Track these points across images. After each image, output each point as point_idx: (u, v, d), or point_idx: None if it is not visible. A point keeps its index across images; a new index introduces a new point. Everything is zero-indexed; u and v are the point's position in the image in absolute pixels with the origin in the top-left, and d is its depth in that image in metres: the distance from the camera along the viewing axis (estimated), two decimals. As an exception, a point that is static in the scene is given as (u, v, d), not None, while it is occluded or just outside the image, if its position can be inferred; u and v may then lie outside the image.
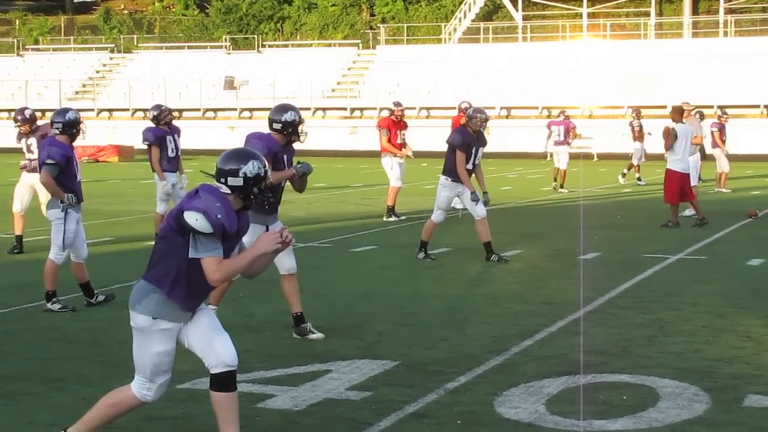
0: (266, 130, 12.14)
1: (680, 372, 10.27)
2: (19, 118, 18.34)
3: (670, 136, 23.03)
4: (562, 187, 34.41)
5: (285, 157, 11.86)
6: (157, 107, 20.11)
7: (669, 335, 12.15)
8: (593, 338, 11.94)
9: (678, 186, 23.22)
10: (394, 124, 25.22)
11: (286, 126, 11.75)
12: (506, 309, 13.88)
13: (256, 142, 11.59)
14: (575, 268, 17.48)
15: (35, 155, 17.49)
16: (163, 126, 19.71)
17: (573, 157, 37.02)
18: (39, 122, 18.89)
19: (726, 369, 10.45)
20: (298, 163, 11.92)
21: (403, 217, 24.46)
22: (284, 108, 11.97)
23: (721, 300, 14.49)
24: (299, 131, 11.81)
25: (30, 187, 18.90)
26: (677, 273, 17.15)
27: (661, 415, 8.88)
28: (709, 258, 18.76)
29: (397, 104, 25.82)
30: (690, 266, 17.86)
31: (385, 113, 26.38)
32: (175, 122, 20.58)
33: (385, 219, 24.52)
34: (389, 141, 24.95)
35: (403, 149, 24.94)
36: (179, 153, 19.91)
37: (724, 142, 33.18)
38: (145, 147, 19.93)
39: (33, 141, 18.19)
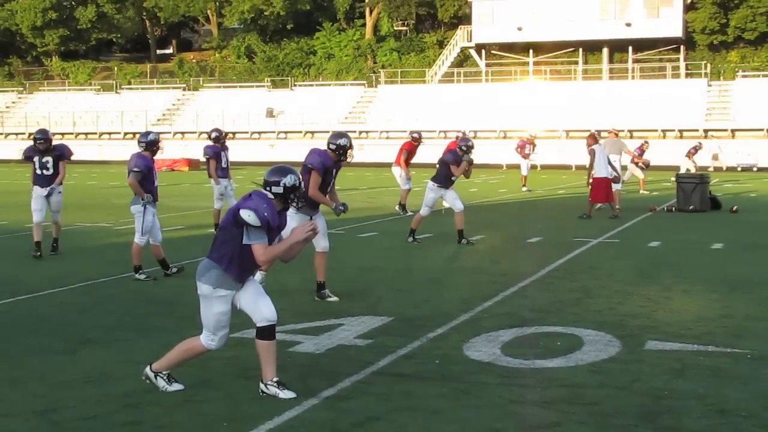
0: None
1: (599, 324, 10.29)
2: (39, 137, 16.30)
3: (592, 156, 23.41)
4: (524, 186, 34.57)
5: (335, 170, 12.13)
6: (217, 130, 20.12)
7: (591, 297, 12.16)
8: (536, 300, 11.97)
9: (603, 189, 23.33)
10: (414, 148, 25.67)
11: (339, 148, 11.95)
12: (473, 279, 13.89)
13: (315, 156, 11.85)
14: (523, 249, 17.49)
15: (50, 171, 16.37)
16: (218, 144, 19.76)
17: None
18: (55, 143, 16.76)
19: (632, 322, 10.47)
20: (342, 204, 12.14)
21: (410, 213, 24.37)
22: (340, 135, 12.22)
23: (629, 272, 14.49)
24: (348, 154, 12.02)
25: (44, 199, 16.44)
26: (597, 252, 17.14)
27: (585, 356, 8.91)
28: (621, 241, 18.73)
29: (418, 133, 26.66)
30: (607, 247, 17.84)
31: (407, 137, 26.81)
32: (227, 142, 20.66)
33: (402, 213, 24.55)
34: (406, 160, 25.45)
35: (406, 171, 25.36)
36: (229, 164, 19.94)
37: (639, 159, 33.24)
38: (204, 160, 19.94)
39: (49, 159, 16.37)
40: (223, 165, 19.68)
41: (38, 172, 16.43)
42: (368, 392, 7.80)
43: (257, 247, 7.36)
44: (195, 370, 8.39)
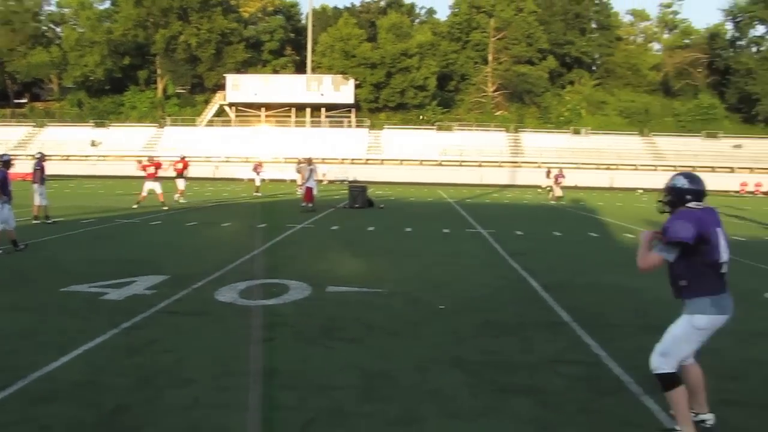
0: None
1: (300, 277, 10.35)
2: None
3: (308, 173, 23.67)
4: (257, 192, 33.94)
5: None
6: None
7: (295, 260, 12.17)
8: (261, 262, 11.89)
9: (310, 193, 23.58)
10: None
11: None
12: (224, 249, 13.46)
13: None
14: (255, 231, 17.27)
15: None
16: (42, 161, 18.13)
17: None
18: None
19: (321, 275, 10.58)
20: None
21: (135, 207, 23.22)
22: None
23: (320, 244, 14.60)
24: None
25: None
26: (301, 233, 17.14)
27: (290, 296, 8.98)
28: (315, 227, 18.74)
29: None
30: (306, 230, 17.84)
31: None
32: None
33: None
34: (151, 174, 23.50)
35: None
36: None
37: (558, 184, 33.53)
38: (32, 171, 18.11)
39: None
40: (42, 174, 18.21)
41: None
42: (153, 324, 7.51)
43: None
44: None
